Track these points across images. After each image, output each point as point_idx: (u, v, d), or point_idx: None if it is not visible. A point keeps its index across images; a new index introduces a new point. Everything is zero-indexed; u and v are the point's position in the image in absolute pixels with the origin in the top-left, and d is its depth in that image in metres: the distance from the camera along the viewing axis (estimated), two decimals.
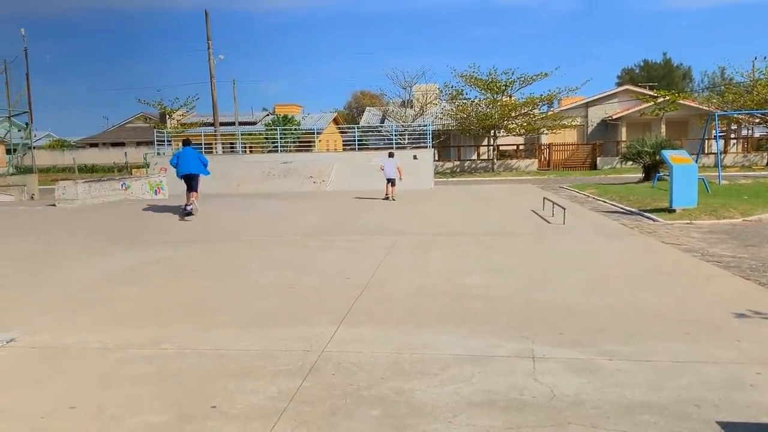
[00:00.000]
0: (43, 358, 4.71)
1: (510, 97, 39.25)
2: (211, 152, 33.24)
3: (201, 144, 29.80)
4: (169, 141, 37.24)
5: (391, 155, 19.82)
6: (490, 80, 38.08)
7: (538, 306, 5.77)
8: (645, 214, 14.33)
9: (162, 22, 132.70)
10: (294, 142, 37.85)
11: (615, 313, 5.53)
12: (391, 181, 18.76)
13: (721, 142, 42.08)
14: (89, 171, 51.30)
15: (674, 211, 14.09)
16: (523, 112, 38.62)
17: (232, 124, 48.18)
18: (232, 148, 40.37)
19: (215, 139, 33.39)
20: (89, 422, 3.56)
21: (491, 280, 7.00)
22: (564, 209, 12.87)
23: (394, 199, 18.38)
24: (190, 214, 14.72)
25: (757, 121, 39.84)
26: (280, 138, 31.75)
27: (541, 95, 38.90)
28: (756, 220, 13.17)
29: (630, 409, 3.56)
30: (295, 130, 40.03)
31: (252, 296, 6.55)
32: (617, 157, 40.69)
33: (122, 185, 21.05)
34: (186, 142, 15.60)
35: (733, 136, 38.15)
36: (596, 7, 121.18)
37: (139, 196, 21.59)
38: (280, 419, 3.51)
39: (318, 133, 37.72)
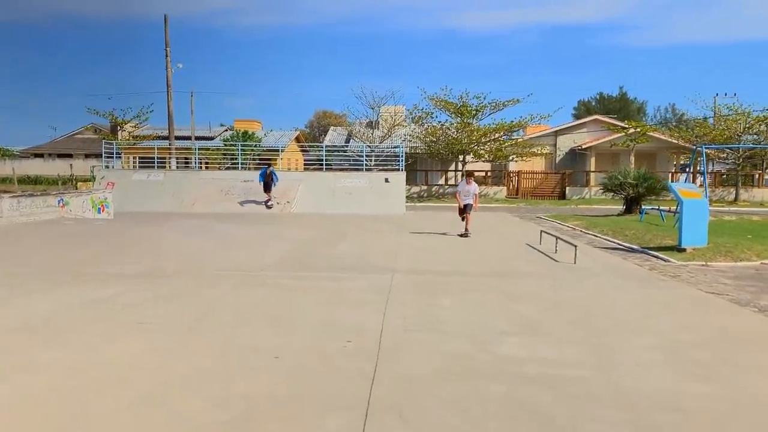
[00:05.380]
0: None
1: (477, 123, 38.21)
2: (165, 167, 30.91)
3: (153, 158, 27.48)
4: (119, 154, 34.65)
5: (467, 174, 16.01)
6: (461, 104, 36.94)
7: (636, 401, 4.08)
8: (651, 252, 12.99)
9: (118, 30, 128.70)
10: (254, 160, 35.76)
11: (748, 416, 3.89)
12: (467, 209, 15.06)
13: (690, 176, 42.00)
14: (32, 183, 47.76)
15: (684, 250, 12.78)
16: (493, 137, 37.56)
17: (188, 138, 45.73)
18: (187, 163, 37.94)
19: (169, 153, 31.03)
20: None
21: (539, 348, 5.30)
22: (575, 246, 11.37)
23: (469, 235, 14.76)
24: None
25: (723, 156, 39.82)
26: (241, 155, 29.65)
27: (512, 122, 37.99)
28: None
29: None
30: (256, 146, 37.94)
31: (227, 371, 4.67)
32: (586, 188, 40.08)
33: (59, 201, 18.51)
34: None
35: (689, 169, 37.95)
36: (555, 42, 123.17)
37: (79, 215, 19.15)
38: None
39: (279, 151, 35.73)
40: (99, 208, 19.97)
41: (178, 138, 34.18)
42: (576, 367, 4.73)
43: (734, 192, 38.00)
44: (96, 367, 4.70)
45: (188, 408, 3.93)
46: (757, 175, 41.58)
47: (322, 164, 31.91)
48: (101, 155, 30.32)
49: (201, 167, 33.45)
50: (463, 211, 15.12)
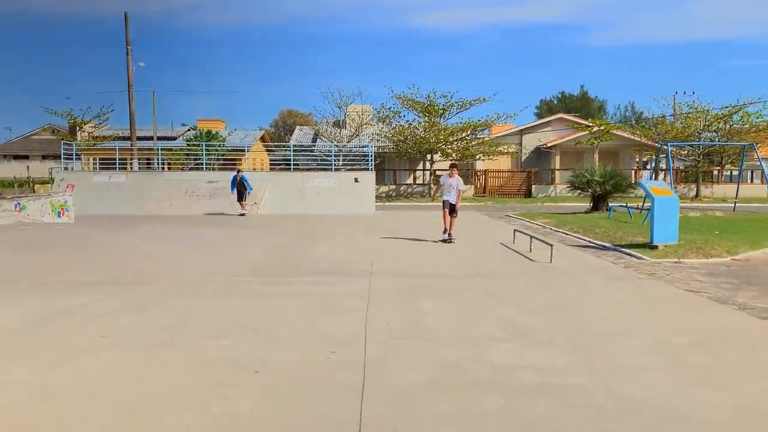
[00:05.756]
0: None
1: (444, 122, 38.22)
2: (126, 168, 30.06)
3: (115, 159, 26.66)
4: (78, 155, 33.60)
5: (452, 166, 13.87)
6: (428, 103, 36.88)
7: (640, 411, 3.92)
8: (623, 250, 13.02)
9: (76, 27, 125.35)
10: (219, 160, 35.07)
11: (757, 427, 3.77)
12: (451, 209, 13.36)
13: (654, 173, 42.77)
14: None
15: (656, 247, 12.84)
16: (461, 136, 37.62)
17: (150, 138, 44.69)
18: (149, 164, 37.01)
19: (131, 154, 30.19)
20: None
21: (531, 354, 5.13)
22: (551, 245, 11.29)
23: (453, 241, 13.30)
24: None
25: (684, 153, 40.65)
26: (205, 155, 29.00)
27: (479, 120, 38.11)
28: (744, 258, 12.10)
29: None
30: (221, 146, 37.23)
31: (205, 388, 4.37)
32: (552, 185, 40.47)
33: (16, 206, 17.73)
34: None
35: (663, 166, 38.65)
36: (517, 41, 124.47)
37: (37, 219, 18.39)
38: None
39: (245, 151, 35.13)
40: (59, 212, 19.21)
41: (139, 138, 33.27)
42: (572, 374, 4.56)
43: (695, 188, 38.82)
44: (62, 388, 4.35)
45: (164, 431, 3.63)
46: (716, 172, 42.57)
47: (288, 164, 31.45)
48: (60, 157, 29.32)
49: (164, 168, 32.64)
50: (445, 206, 13.38)
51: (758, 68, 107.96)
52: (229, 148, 37.02)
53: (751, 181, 45.78)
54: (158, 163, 30.69)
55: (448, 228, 13.31)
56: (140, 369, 4.75)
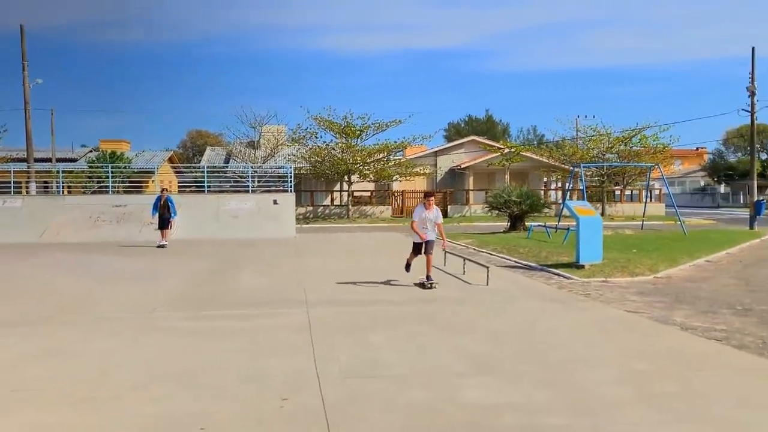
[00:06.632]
0: None
1: (361, 143, 38.14)
2: (21, 192, 27.73)
3: (9, 182, 24.50)
4: None
5: (427, 196, 10.67)
6: (345, 124, 36.65)
7: None
8: (552, 270, 13.13)
9: None
10: (124, 183, 33.14)
11: None
12: (428, 247, 10.34)
13: (559, 193, 44.48)
14: None
15: (582, 266, 13.04)
16: (378, 158, 37.60)
17: (48, 160, 41.77)
18: (46, 188, 34.48)
19: (28, 177, 27.90)
20: None
21: (503, 391, 4.78)
22: (487, 268, 11.15)
23: (434, 286, 10.18)
24: None
25: (589, 173, 42.53)
26: (111, 177, 27.24)
27: (395, 142, 38.29)
28: (666, 276, 12.49)
29: None
30: (126, 168, 35.27)
31: None
32: (467, 205, 41.17)
33: None
34: None
35: (569, 186, 40.30)
36: (420, 66, 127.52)
37: None
38: None
39: (154, 172, 33.44)
40: None
41: (37, 160, 30.81)
42: (556, 414, 4.24)
43: (601, 207, 40.64)
44: None
45: None
46: (618, 192, 44.82)
47: (199, 186, 30.15)
48: None
49: (65, 192, 30.41)
50: (421, 248, 10.41)
51: (643, 93, 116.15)
52: (136, 170, 35.11)
53: (651, 200, 48.58)
54: (59, 186, 28.54)
55: (427, 269, 10.35)
56: None
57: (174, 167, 50.12)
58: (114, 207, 23.36)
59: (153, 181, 35.63)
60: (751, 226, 24.83)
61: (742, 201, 58.27)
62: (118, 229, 22.31)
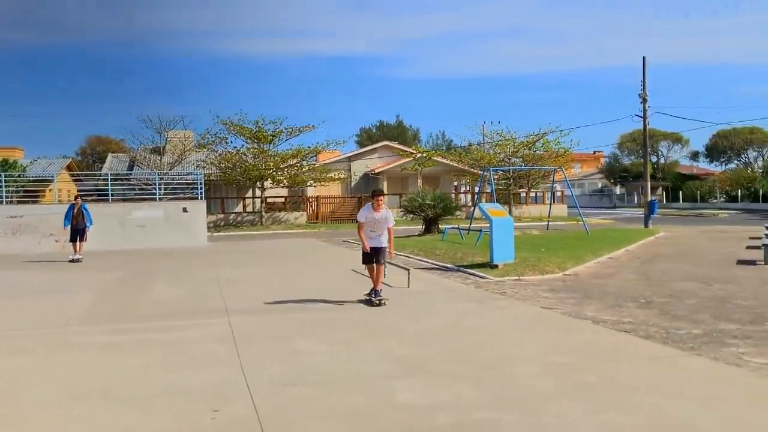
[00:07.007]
0: None
1: (274, 148, 37.66)
2: None
3: None
4: None
5: (375, 194, 9.20)
6: (257, 129, 36.00)
7: None
8: (467, 270, 13.51)
9: None
10: (18, 192, 31.03)
11: None
12: (379, 255, 9.10)
13: (469, 196, 45.81)
14: None
15: (496, 266, 13.49)
16: (291, 163, 37.21)
17: None
18: None
19: None
20: None
21: (435, 391, 4.88)
22: (408, 270, 11.34)
23: (383, 303, 8.93)
24: None
25: (496, 177, 44.07)
26: (4, 186, 25.42)
27: (309, 147, 38.06)
28: (573, 273, 13.13)
29: None
30: (21, 176, 33.05)
31: None
32: None
33: None
34: None
35: (479, 190, 41.61)
36: (331, 72, 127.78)
37: None
38: None
39: (52, 180, 31.50)
40: None
41: None
42: (486, 409, 4.38)
43: (508, 209, 42.19)
44: None
45: None
46: (524, 194, 46.71)
47: (102, 194, 28.71)
48: None
49: None
50: (371, 257, 9.06)
51: (545, 99, 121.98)
52: (31, 178, 32.95)
53: (554, 202, 50.98)
54: None
55: (374, 283, 9.13)
56: None
57: (73, 175, 47.41)
58: (9, 218, 21.84)
59: (51, 189, 33.56)
60: (646, 225, 26.64)
61: (636, 201, 62.39)
62: (14, 241, 20.89)
